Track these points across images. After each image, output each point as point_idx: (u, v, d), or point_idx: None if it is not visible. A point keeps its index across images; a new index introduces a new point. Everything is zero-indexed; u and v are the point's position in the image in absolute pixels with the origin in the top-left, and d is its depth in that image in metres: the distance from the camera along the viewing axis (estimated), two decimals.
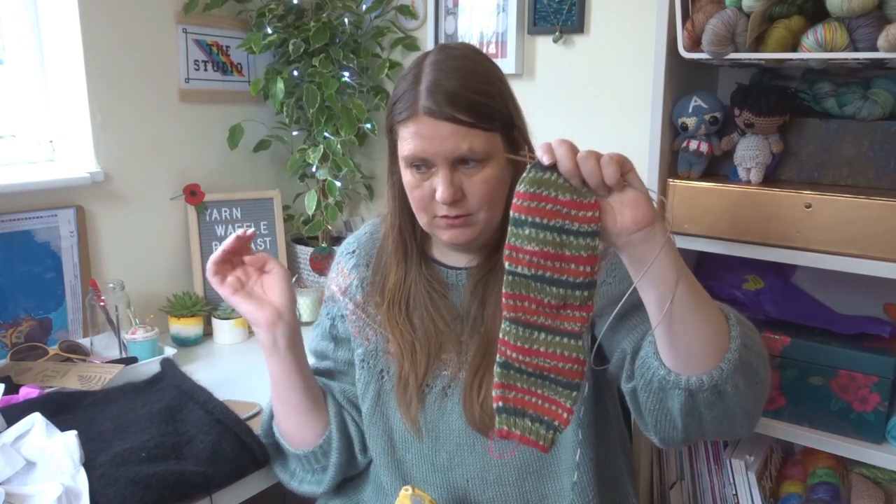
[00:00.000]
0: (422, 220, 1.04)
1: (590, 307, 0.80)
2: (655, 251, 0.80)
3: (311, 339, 1.23)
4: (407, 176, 1.02)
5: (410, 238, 1.10)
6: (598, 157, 0.78)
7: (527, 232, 0.77)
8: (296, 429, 1.12)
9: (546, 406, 0.81)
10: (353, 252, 1.18)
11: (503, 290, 0.80)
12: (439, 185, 0.97)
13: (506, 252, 0.79)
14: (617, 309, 0.89)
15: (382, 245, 1.14)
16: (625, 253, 0.83)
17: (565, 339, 0.80)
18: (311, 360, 1.19)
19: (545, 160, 0.78)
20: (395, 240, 1.10)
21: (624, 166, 0.79)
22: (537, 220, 0.77)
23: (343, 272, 1.18)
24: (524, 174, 0.79)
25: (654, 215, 0.79)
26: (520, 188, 0.79)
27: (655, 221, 0.79)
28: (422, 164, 0.99)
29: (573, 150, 0.79)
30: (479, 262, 1.08)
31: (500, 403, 0.81)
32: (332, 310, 1.19)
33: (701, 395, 0.85)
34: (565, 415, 0.80)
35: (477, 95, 0.97)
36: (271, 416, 1.16)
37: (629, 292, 0.85)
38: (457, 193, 0.98)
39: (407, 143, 0.98)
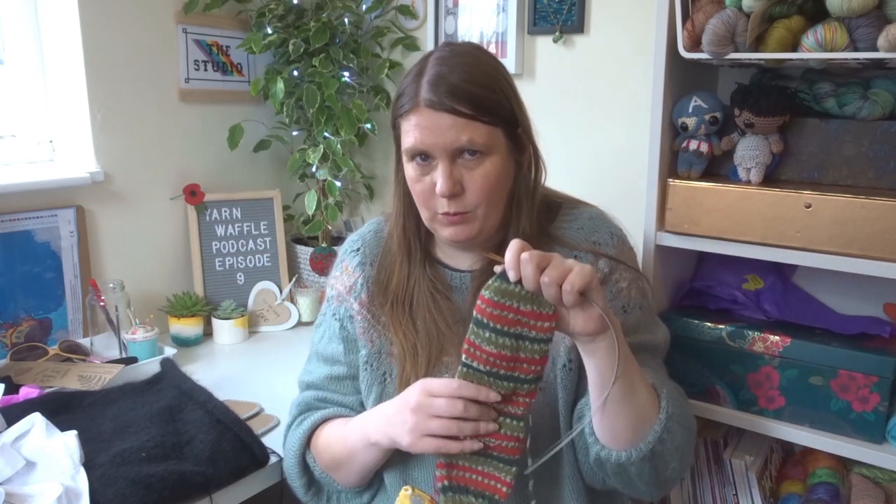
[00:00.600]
0: (424, 215, 1.04)
1: (534, 394, 0.89)
2: (599, 353, 0.88)
3: (317, 340, 1.19)
4: (409, 170, 1.02)
5: (415, 238, 1.09)
6: (560, 282, 0.83)
7: (487, 335, 0.85)
8: (367, 476, 1.09)
9: (487, 482, 0.89)
10: (358, 250, 1.16)
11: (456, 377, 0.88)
12: (438, 178, 0.98)
13: (465, 346, 0.87)
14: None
15: (387, 244, 1.13)
16: (576, 343, 0.91)
17: (509, 420, 0.88)
18: (321, 366, 1.16)
19: (511, 276, 0.84)
20: (400, 239, 1.09)
21: (588, 285, 0.83)
22: (498, 326, 0.85)
23: (347, 271, 1.16)
24: (490, 281, 0.85)
25: (601, 328, 0.86)
26: (485, 294, 0.85)
27: (603, 331, 0.87)
28: (423, 156, 0.99)
29: (539, 269, 0.83)
30: (484, 266, 1.07)
31: (445, 483, 0.88)
32: (339, 310, 1.15)
33: (629, 466, 0.94)
34: (504, 489, 0.88)
35: (478, 88, 0.97)
36: (303, 457, 1.10)
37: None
38: (455, 187, 0.98)
39: (408, 135, 0.99)
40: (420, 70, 1.00)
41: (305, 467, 1.10)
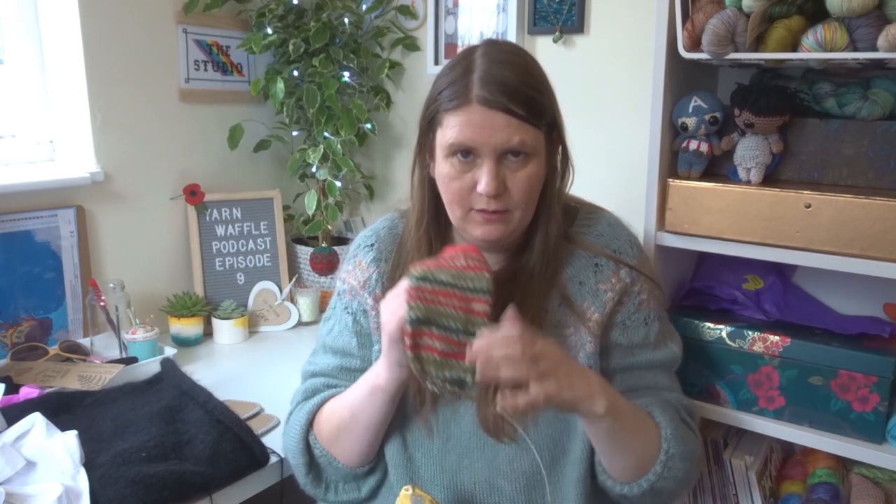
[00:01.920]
0: (455, 213, 1.02)
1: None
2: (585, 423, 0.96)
3: (325, 333, 1.17)
4: (446, 167, 0.99)
5: (435, 237, 1.08)
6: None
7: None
8: (366, 448, 1.07)
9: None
10: (372, 246, 1.14)
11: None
12: (484, 177, 0.96)
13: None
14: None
15: (402, 241, 1.11)
16: None
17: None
18: (330, 357, 1.15)
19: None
20: (420, 237, 1.07)
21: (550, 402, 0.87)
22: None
23: (361, 266, 1.13)
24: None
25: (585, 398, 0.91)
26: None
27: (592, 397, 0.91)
28: (467, 153, 0.97)
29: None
30: (502, 267, 1.07)
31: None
32: (352, 304, 1.13)
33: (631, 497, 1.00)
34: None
35: (530, 90, 0.97)
36: (306, 435, 1.08)
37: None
38: (500, 187, 0.97)
39: (454, 130, 0.96)
40: (468, 67, 0.97)
41: (307, 447, 1.09)
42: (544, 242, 1.05)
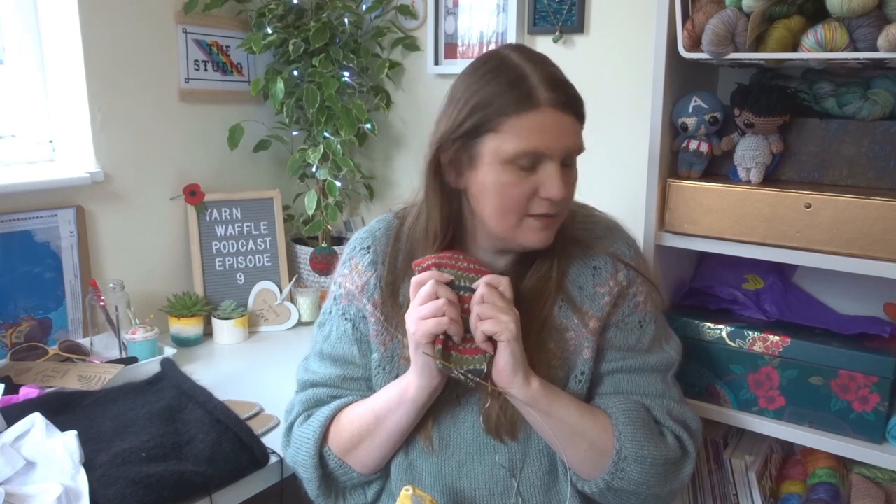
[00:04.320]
0: (507, 221, 0.99)
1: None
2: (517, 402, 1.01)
3: (321, 339, 1.14)
4: (504, 175, 0.95)
5: (459, 245, 1.06)
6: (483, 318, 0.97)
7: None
8: (386, 455, 1.07)
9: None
10: (369, 248, 1.10)
11: None
12: (555, 182, 0.95)
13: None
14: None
15: (399, 244, 1.09)
16: None
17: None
18: (330, 366, 1.12)
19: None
20: (428, 243, 1.04)
21: (497, 336, 0.96)
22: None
23: (358, 269, 1.10)
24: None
25: (504, 383, 0.98)
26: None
27: (507, 387, 0.98)
28: (533, 160, 0.95)
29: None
30: (512, 270, 1.06)
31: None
32: (350, 310, 1.10)
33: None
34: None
35: (577, 93, 0.98)
36: (320, 449, 1.06)
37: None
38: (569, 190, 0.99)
39: (520, 136, 0.93)
40: (521, 73, 0.94)
41: (321, 459, 1.06)
42: (550, 249, 1.04)
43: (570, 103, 0.95)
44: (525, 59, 0.97)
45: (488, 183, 0.97)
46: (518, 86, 0.94)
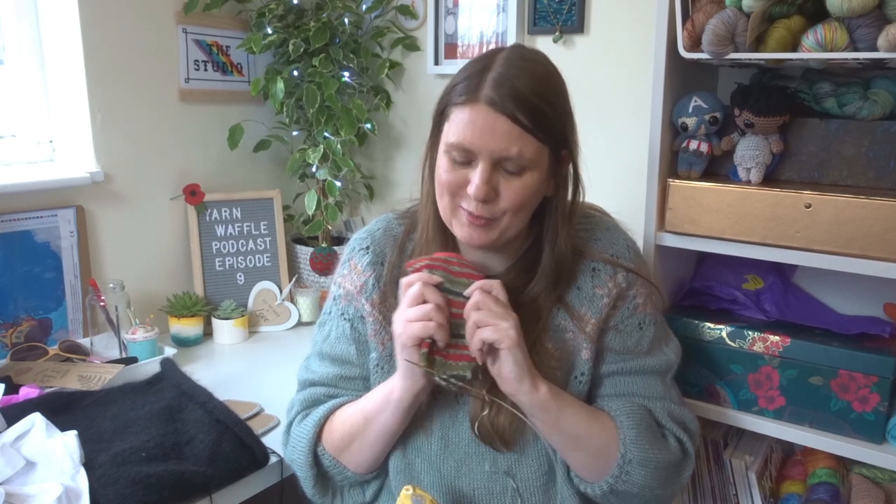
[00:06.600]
0: (444, 206, 1.00)
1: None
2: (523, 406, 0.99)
3: (321, 339, 1.14)
4: (442, 159, 0.98)
5: (448, 232, 1.05)
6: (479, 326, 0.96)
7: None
8: (378, 456, 1.07)
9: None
10: (368, 248, 1.10)
11: None
12: (475, 180, 0.94)
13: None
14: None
15: (406, 244, 1.10)
16: None
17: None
18: (328, 365, 1.12)
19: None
20: (433, 232, 1.05)
21: (498, 343, 0.95)
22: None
23: (357, 269, 1.10)
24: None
25: (510, 391, 0.97)
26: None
27: (513, 393, 0.97)
28: (463, 156, 0.95)
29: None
30: (511, 277, 1.05)
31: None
32: (349, 310, 1.10)
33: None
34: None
35: (541, 101, 0.94)
36: (314, 448, 1.07)
37: None
38: (490, 193, 0.95)
39: (456, 128, 0.94)
40: (486, 65, 0.95)
41: (315, 459, 1.07)
42: (550, 263, 1.03)
43: (507, 105, 0.91)
44: (504, 57, 0.97)
45: (437, 164, 1.00)
46: (473, 78, 0.95)
